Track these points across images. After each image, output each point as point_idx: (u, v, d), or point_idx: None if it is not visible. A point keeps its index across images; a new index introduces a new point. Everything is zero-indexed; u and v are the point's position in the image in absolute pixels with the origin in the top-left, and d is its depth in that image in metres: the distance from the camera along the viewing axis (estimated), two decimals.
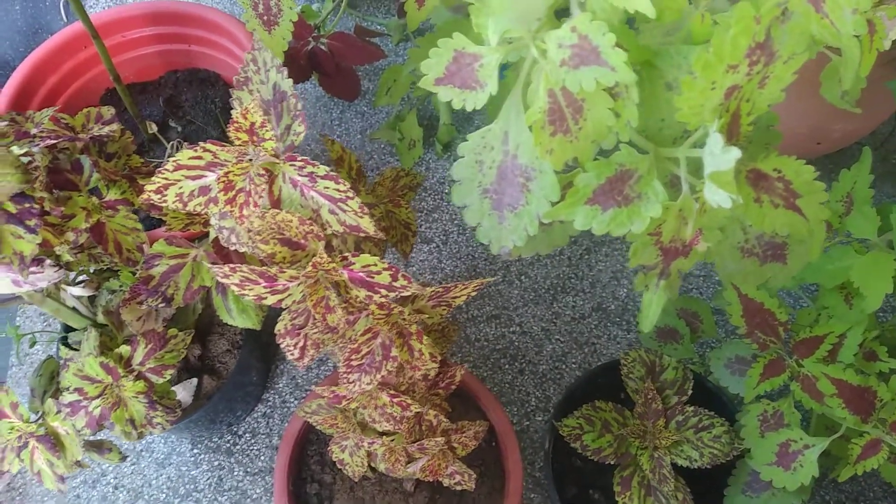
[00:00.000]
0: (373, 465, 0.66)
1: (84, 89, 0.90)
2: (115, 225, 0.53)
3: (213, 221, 0.58)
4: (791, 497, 0.67)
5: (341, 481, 0.72)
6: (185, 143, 0.67)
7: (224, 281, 0.51)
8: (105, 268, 0.69)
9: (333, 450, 0.66)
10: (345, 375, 0.55)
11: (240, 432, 0.92)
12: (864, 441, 0.59)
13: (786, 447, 0.65)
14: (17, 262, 0.46)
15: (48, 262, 0.55)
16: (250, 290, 0.51)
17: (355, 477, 0.66)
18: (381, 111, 1.13)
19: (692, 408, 0.70)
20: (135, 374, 0.60)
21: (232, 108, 0.95)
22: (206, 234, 0.65)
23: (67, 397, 0.61)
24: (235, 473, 0.89)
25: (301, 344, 0.55)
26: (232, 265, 0.50)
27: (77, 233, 0.51)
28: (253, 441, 0.91)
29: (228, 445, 0.91)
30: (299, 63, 0.93)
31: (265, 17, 0.72)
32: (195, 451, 0.91)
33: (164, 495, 0.89)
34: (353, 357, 0.55)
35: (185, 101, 0.91)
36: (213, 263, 0.64)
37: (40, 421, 0.65)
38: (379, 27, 1.17)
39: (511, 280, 1.00)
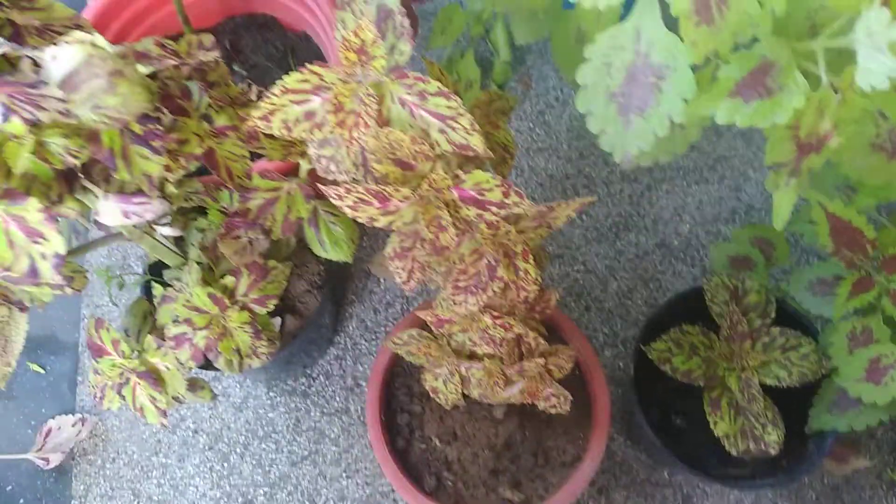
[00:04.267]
0: (466, 391, 0.67)
1: (148, 33, 0.90)
2: (224, 152, 0.54)
3: (311, 151, 0.58)
4: (879, 412, 0.68)
5: (430, 411, 0.73)
6: (254, 85, 0.67)
7: (338, 203, 0.52)
8: (192, 207, 0.70)
9: (427, 378, 0.67)
10: (451, 297, 0.56)
11: (314, 375, 0.93)
12: None
13: (876, 362, 0.65)
14: (146, 184, 0.46)
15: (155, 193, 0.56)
16: (363, 211, 0.52)
17: (448, 405, 0.67)
18: (434, 53, 1.12)
19: (778, 329, 0.70)
20: (239, 304, 0.61)
21: (295, 51, 0.94)
22: (297, 168, 0.66)
23: (173, 330, 0.62)
24: (312, 414, 0.91)
25: (409, 267, 0.56)
26: (347, 186, 0.51)
27: (189, 159, 0.51)
28: (327, 383, 0.93)
29: (304, 388, 0.93)
30: None
31: None
32: (271, 394, 0.93)
33: (243, 437, 0.91)
34: (461, 278, 0.55)
35: (246, 46, 0.91)
36: (307, 196, 0.65)
37: (139, 358, 0.67)
38: None
39: (573, 220, 1.00)
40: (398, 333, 0.69)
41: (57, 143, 0.42)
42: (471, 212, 0.52)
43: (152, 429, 0.92)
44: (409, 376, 0.76)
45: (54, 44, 0.51)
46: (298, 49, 0.92)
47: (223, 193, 0.71)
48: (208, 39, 0.55)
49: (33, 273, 0.42)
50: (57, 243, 0.41)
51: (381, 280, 0.98)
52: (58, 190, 0.45)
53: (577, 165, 1.02)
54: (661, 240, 0.98)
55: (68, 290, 0.48)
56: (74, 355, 0.98)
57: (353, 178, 0.58)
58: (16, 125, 0.40)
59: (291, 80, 0.52)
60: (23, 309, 0.59)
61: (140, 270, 0.99)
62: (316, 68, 0.52)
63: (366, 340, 0.95)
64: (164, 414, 0.67)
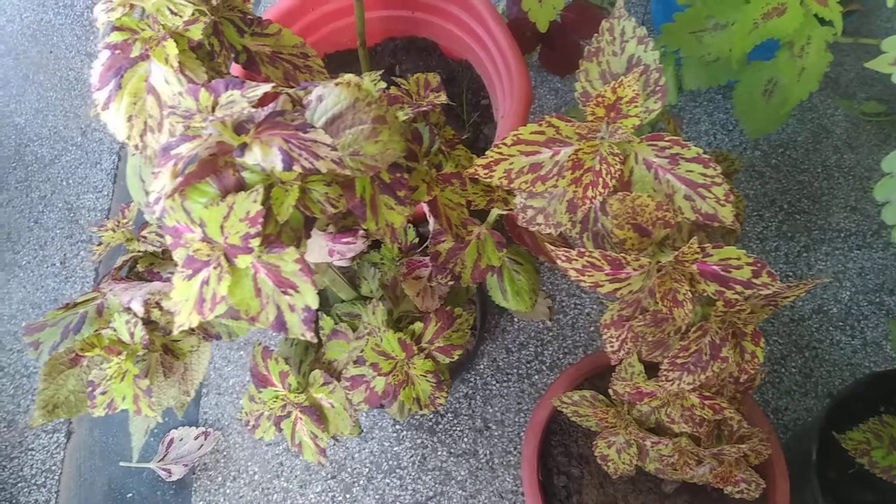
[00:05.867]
0: (639, 463, 0.63)
1: (317, 45, 0.89)
2: (444, 199, 0.51)
3: (518, 200, 0.55)
4: None
5: (590, 476, 0.69)
6: None
7: (564, 265, 0.48)
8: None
9: (598, 444, 0.63)
10: (665, 373, 0.52)
11: (441, 411, 0.90)
12: None
13: None
14: (388, 234, 0.43)
15: (360, 232, 0.54)
16: (590, 276, 0.48)
17: (616, 474, 0.63)
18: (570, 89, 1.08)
19: None
20: (425, 352, 0.58)
21: (455, 79, 0.91)
22: (486, 213, 0.63)
23: (351, 370, 0.59)
24: (439, 453, 0.88)
25: (623, 336, 0.52)
26: (580, 249, 0.47)
27: (415, 206, 0.48)
28: (455, 422, 0.89)
29: (431, 424, 0.89)
30: (525, 34, 0.89)
31: None
32: (397, 426, 0.90)
33: (366, 469, 0.88)
34: (681, 354, 0.51)
35: (405, 70, 0.89)
36: (498, 243, 0.62)
37: (305, 392, 0.64)
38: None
39: None
40: (568, 393, 0.65)
41: (318, 192, 0.39)
42: (710, 288, 0.47)
43: (275, 450, 0.91)
44: (566, 434, 0.72)
45: (295, 77, 0.49)
46: (459, 77, 0.89)
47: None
48: (434, 79, 0.52)
49: (280, 325, 0.39)
50: (310, 296, 0.39)
51: (515, 319, 0.94)
52: (299, 236, 0.43)
53: None
54: (819, 305, 0.92)
55: (308, 336, 0.45)
56: None
57: (560, 233, 0.55)
58: (289, 171, 0.37)
59: (526, 130, 0.49)
60: (208, 338, 0.58)
61: None
62: (554, 121, 0.48)
63: (497, 381, 0.91)
64: (324, 453, 0.64)
